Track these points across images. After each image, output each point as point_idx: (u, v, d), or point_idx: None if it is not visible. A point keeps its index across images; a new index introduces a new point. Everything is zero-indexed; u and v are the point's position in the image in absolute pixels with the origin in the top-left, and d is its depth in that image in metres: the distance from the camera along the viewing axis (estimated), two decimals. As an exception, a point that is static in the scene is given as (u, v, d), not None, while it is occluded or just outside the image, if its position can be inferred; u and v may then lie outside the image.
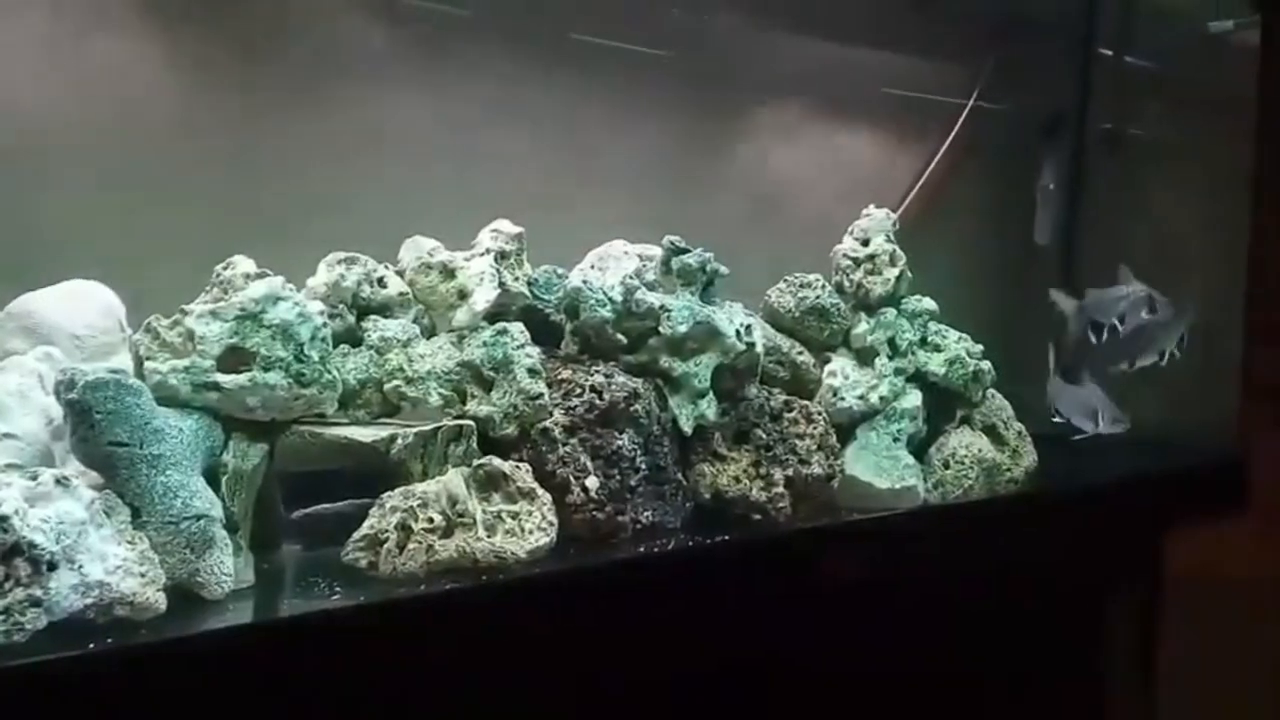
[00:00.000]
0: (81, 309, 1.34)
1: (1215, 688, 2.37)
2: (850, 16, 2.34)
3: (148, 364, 1.20)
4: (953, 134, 2.52)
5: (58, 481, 1.04)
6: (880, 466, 1.73)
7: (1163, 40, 2.74)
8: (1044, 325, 2.51)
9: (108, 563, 1.04)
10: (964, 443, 1.84)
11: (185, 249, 1.44)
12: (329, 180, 1.72)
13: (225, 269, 1.33)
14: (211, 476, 1.19)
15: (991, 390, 1.93)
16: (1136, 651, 2.47)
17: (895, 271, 1.84)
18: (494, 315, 1.48)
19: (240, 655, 1.07)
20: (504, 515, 1.30)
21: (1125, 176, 2.72)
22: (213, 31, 1.64)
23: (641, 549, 1.42)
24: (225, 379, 1.21)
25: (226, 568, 1.14)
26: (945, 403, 1.88)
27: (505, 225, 1.56)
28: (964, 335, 1.91)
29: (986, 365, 1.89)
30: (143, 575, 1.06)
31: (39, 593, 0.97)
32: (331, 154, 1.73)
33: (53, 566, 0.99)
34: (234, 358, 1.22)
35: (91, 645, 0.99)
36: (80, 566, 1.02)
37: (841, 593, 1.64)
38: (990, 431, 1.91)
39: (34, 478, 1.03)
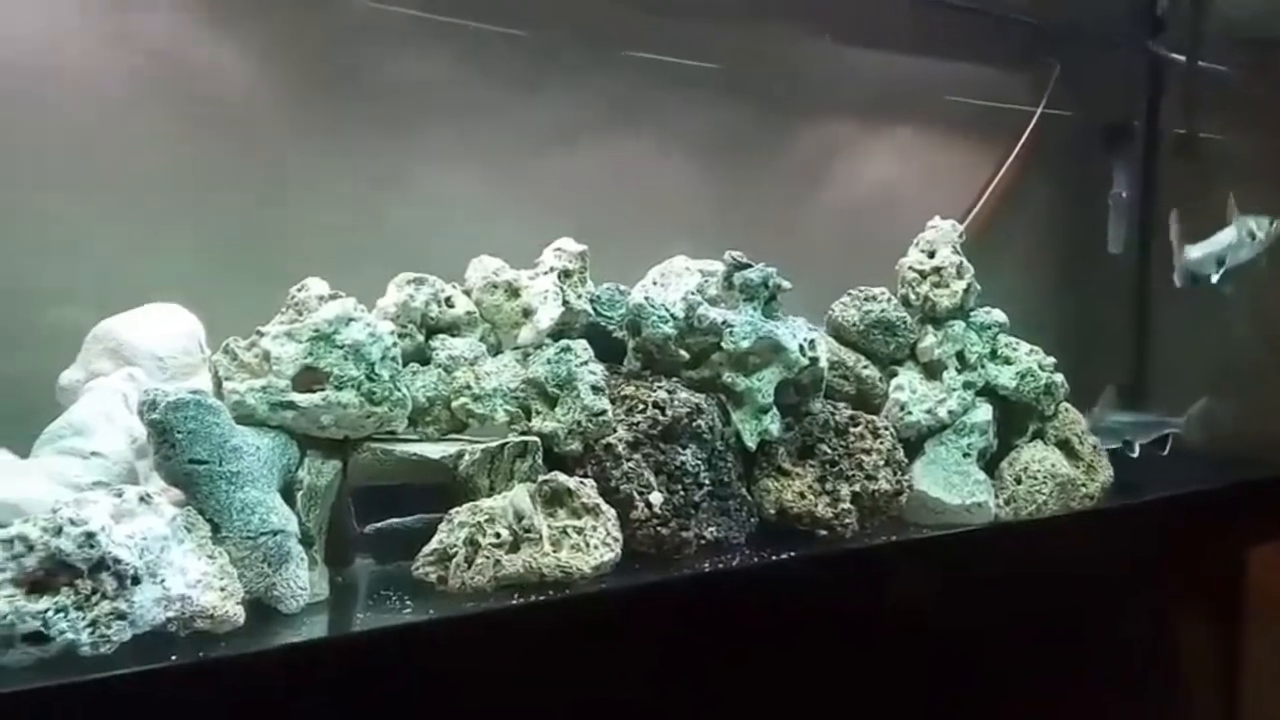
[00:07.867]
0: (163, 331, 1.39)
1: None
2: (914, 25, 2.32)
3: (226, 384, 1.25)
4: (1021, 142, 2.48)
5: (141, 499, 1.08)
6: (950, 482, 1.71)
7: (1234, 45, 2.66)
8: (1117, 335, 2.44)
9: (188, 577, 1.07)
10: (1037, 457, 1.80)
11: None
12: (387, 205, 1.77)
13: (299, 291, 1.37)
14: (287, 493, 1.23)
15: (1065, 404, 1.89)
16: (1219, 670, 2.39)
17: (963, 284, 1.81)
18: (558, 333, 1.49)
19: (317, 669, 1.10)
20: (569, 530, 1.32)
21: (1198, 183, 2.65)
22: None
23: (706, 565, 1.42)
24: (300, 398, 1.24)
25: (302, 581, 1.17)
26: (1016, 416, 1.84)
27: (568, 244, 1.58)
28: (1035, 348, 1.87)
29: (1059, 378, 1.85)
30: (222, 589, 1.09)
31: (124, 606, 1.01)
32: (396, 179, 1.78)
33: (136, 581, 1.03)
34: (308, 377, 1.26)
35: (174, 657, 1.02)
36: (162, 580, 1.05)
37: (910, 610, 1.61)
38: (1064, 446, 1.87)
39: (119, 495, 1.07)
